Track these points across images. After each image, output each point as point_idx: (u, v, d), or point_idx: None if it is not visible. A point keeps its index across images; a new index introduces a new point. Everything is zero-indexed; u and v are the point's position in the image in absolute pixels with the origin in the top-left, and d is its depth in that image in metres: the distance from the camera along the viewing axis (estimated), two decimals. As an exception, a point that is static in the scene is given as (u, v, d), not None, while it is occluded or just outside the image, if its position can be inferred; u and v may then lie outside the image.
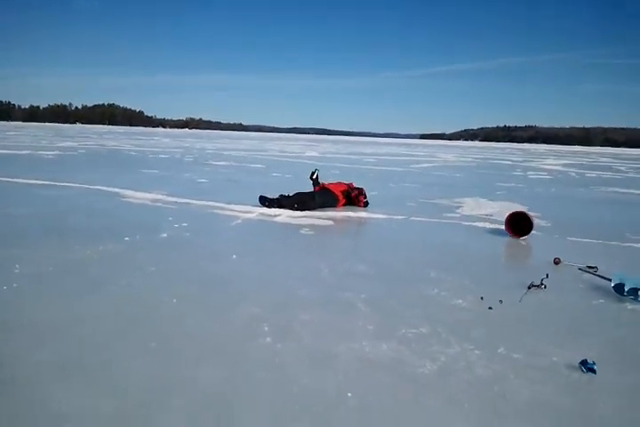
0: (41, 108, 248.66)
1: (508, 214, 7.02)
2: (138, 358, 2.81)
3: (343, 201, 8.85)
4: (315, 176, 9.16)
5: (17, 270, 4.26)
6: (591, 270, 4.99)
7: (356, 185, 9.22)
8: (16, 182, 10.34)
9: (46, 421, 2.23)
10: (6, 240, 5.35)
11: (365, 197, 9.05)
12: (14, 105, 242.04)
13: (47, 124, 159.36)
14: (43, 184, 10.17)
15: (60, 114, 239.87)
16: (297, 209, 8.02)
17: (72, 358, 2.79)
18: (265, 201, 8.27)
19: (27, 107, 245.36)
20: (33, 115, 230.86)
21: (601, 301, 4.19)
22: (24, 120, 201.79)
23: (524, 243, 6.53)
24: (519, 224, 6.82)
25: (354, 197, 8.93)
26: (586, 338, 3.39)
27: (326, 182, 9.13)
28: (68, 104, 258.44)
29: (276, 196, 8.39)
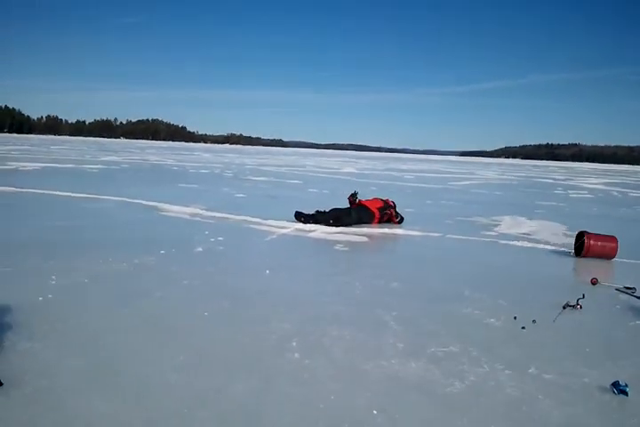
0: (87, 123, 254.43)
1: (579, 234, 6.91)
2: (169, 369, 2.85)
3: (379, 218, 8.83)
4: (353, 198, 9.10)
5: (53, 281, 4.36)
6: (629, 291, 4.90)
7: (391, 201, 9.20)
8: (59, 195, 10.59)
9: (77, 429, 2.27)
10: (45, 251, 5.48)
11: (397, 216, 8.99)
12: (61, 120, 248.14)
13: (92, 138, 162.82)
14: (85, 197, 10.40)
15: (105, 129, 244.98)
16: (332, 225, 8.04)
17: (106, 368, 2.84)
18: (301, 217, 8.30)
19: (73, 122, 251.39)
20: (79, 129, 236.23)
21: (637, 322, 4.10)
22: (70, 134, 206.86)
23: (563, 263, 6.43)
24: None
25: (386, 218, 8.90)
26: (620, 360, 3.31)
27: (363, 199, 9.12)
28: (112, 119, 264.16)
29: (313, 212, 8.42)
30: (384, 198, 9.24)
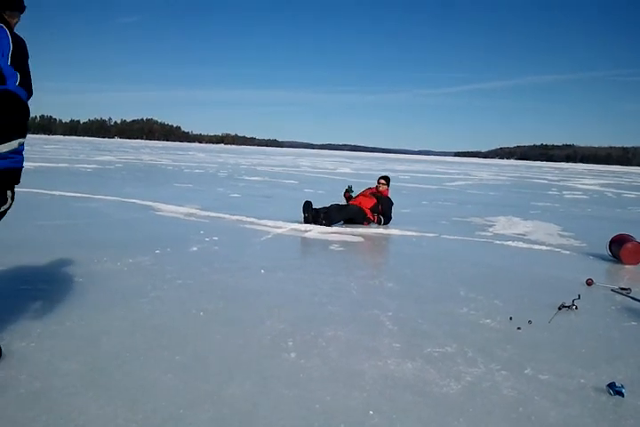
0: (81, 122, 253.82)
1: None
2: (164, 371, 2.84)
3: (372, 218, 8.78)
4: (349, 194, 9.10)
5: (47, 282, 4.34)
6: (624, 292, 4.90)
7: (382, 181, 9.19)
8: (53, 195, 10.54)
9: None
10: (39, 251, 5.44)
11: (380, 220, 8.85)
12: (55, 119, 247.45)
13: (86, 138, 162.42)
14: (79, 197, 10.36)
15: (100, 128, 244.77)
16: (323, 220, 8.05)
17: (101, 370, 2.82)
18: (308, 209, 8.29)
19: (67, 121, 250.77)
20: (73, 129, 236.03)
21: (633, 323, 4.11)
22: (64, 134, 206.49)
23: (558, 264, 6.43)
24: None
25: (376, 217, 8.84)
26: (615, 360, 3.32)
27: (358, 194, 9.07)
28: (107, 119, 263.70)
29: (312, 211, 8.38)
30: (374, 190, 9.14)
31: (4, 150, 2.34)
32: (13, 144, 2.35)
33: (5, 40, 2.34)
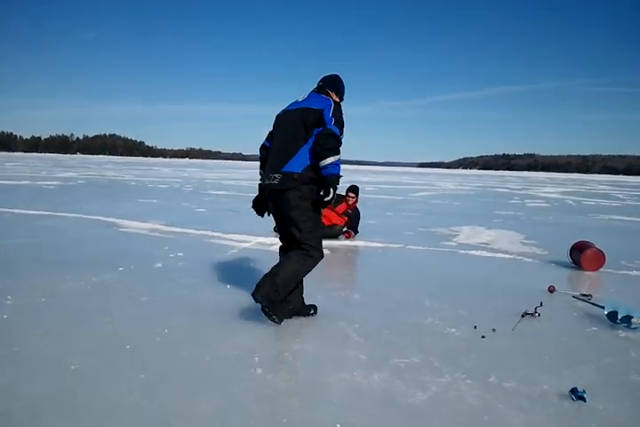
0: (42, 138, 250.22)
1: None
2: (130, 390, 2.80)
3: (346, 235, 8.78)
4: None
5: (9, 301, 4.26)
6: (585, 298, 5.00)
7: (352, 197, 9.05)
8: (14, 213, 10.37)
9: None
10: (0, 270, 5.35)
11: (350, 234, 8.87)
12: (16, 136, 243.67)
13: (48, 154, 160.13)
14: (41, 214, 10.20)
15: (62, 144, 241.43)
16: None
17: (65, 391, 2.78)
18: None
19: (28, 137, 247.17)
20: (34, 145, 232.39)
21: (594, 328, 4.19)
22: (25, 151, 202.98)
23: (521, 272, 6.53)
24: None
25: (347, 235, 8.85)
26: (578, 366, 3.38)
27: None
28: (69, 135, 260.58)
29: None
30: (345, 199, 9.03)
31: (328, 162, 3.79)
32: (333, 158, 3.80)
33: (329, 106, 3.91)
